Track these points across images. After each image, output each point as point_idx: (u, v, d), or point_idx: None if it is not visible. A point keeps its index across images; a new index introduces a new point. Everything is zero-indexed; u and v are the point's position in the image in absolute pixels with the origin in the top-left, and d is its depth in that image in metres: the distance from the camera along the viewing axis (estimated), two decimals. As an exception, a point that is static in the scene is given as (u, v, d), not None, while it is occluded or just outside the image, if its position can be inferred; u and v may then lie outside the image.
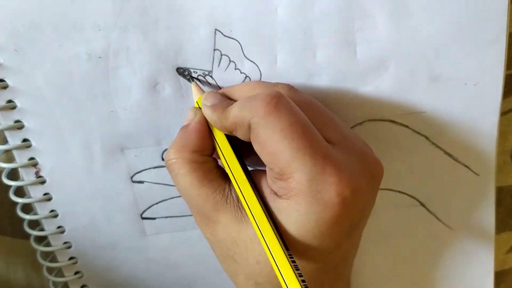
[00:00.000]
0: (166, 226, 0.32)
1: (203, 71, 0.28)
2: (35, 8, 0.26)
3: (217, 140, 0.25)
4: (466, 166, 0.30)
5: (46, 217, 0.31)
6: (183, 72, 0.28)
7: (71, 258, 0.33)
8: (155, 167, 0.30)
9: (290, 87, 0.25)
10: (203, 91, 0.28)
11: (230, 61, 0.28)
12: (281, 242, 0.21)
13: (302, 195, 0.21)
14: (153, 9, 0.27)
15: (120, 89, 0.28)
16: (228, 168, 0.24)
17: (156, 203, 0.32)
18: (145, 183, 0.31)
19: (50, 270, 0.34)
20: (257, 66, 0.28)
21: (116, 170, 0.30)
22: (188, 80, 0.28)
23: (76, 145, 0.29)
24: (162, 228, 0.32)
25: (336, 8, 0.26)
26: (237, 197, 0.24)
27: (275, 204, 0.23)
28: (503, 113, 0.33)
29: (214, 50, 0.28)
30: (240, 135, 0.24)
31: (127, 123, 0.29)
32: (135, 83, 0.28)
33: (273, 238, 0.21)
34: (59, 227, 0.32)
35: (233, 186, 0.25)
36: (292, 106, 0.23)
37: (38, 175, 0.30)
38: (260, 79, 0.28)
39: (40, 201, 0.31)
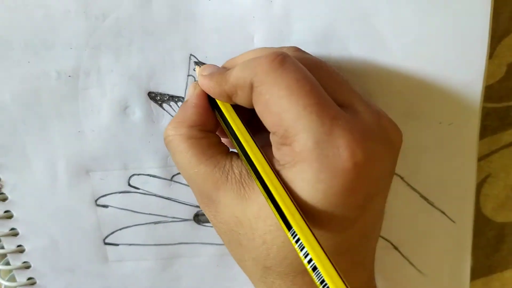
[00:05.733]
0: (129, 253, 0.31)
1: (176, 97, 0.28)
2: (5, 23, 0.26)
3: (224, 111, 0.23)
4: (442, 211, 0.29)
5: (6, 235, 0.30)
6: (155, 97, 0.28)
7: (29, 279, 0.32)
8: (120, 192, 0.29)
9: (297, 48, 0.23)
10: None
11: (203, 88, 0.27)
12: (299, 211, 0.19)
13: (308, 161, 0.19)
14: (128, 31, 0.26)
15: (89, 110, 0.28)
16: (235, 139, 0.22)
17: (120, 229, 0.30)
18: (109, 207, 0.30)
19: (8, 289, 0.33)
20: (230, 94, 0.27)
21: (80, 192, 0.29)
22: (160, 105, 0.28)
23: (41, 163, 0.29)
24: (125, 255, 0.31)
25: (313, 40, 0.26)
26: (240, 173, 0.22)
27: (280, 178, 0.20)
28: (506, 146, 0.32)
29: (188, 76, 0.27)
30: (241, 99, 0.22)
31: (94, 144, 0.28)
32: (105, 105, 0.27)
33: (291, 206, 0.19)
34: (19, 245, 0.31)
35: (234, 162, 0.23)
36: (298, 64, 0.20)
37: (0, 192, 0.29)
38: (232, 108, 0.27)
39: (0, 218, 0.30)
